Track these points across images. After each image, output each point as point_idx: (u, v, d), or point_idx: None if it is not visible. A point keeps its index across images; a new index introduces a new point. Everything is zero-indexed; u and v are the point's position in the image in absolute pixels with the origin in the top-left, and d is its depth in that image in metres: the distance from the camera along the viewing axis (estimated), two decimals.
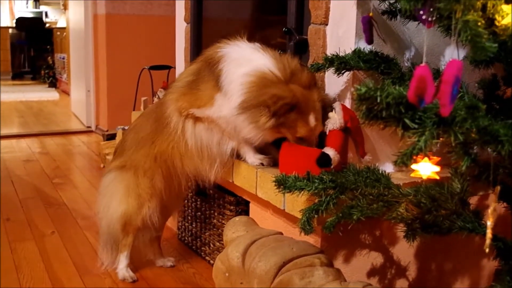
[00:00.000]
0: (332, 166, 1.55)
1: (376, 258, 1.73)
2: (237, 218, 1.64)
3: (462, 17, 0.92)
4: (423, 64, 0.98)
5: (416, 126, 1.02)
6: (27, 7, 10.72)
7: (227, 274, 1.49)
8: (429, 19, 1.07)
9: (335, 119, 1.62)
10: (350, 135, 1.67)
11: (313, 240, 1.61)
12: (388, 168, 1.70)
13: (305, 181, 1.41)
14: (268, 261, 1.42)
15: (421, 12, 1.07)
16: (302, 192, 1.42)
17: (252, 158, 1.81)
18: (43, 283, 2.04)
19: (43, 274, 2.12)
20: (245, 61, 1.69)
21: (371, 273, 1.72)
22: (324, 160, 1.55)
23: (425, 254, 1.79)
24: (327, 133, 1.63)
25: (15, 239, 2.48)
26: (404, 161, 1.04)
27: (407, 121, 1.02)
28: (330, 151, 1.57)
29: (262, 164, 1.79)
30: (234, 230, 1.59)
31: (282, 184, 1.43)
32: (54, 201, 3.00)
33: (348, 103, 1.67)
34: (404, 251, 1.76)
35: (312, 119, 1.63)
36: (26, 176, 3.52)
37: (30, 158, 4.01)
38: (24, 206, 2.92)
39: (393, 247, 1.74)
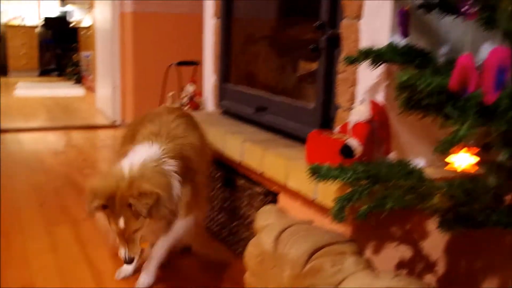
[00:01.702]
0: (355, 157, 1.57)
1: (405, 252, 1.74)
2: (268, 207, 1.67)
3: (507, 7, 0.93)
4: (467, 53, 1.00)
5: (457, 115, 1.03)
6: (54, 7, 10.89)
7: (259, 259, 1.52)
8: (471, 10, 1.08)
9: (361, 111, 1.63)
10: (377, 130, 1.68)
11: (343, 230, 1.63)
12: (418, 164, 1.71)
13: (338, 170, 1.43)
14: (300, 247, 1.45)
15: (464, 3, 1.09)
16: (336, 181, 1.44)
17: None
18: (78, 263, 2.12)
19: (77, 255, 2.20)
20: (133, 154, 1.82)
21: (399, 266, 1.73)
22: (346, 150, 1.58)
23: (455, 251, 1.80)
24: (353, 125, 1.65)
25: (50, 223, 2.57)
26: (444, 149, 1.05)
27: (448, 110, 1.04)
28: (353, 141, 1.59)
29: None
30: (266, 218, 1.62)
31: (316, 173, 1.45)
32: (84, 190, 3.07)
33: (380, 97, 1.68)
34: (434, 246, 1.77)
35: (121, 222, 1.68)
36: (57, 166, 3.61)
37: (60, 150, 4.11)
38: (56, 194, 3.00)
39: (422, 242, 1.75)
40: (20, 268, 2.08)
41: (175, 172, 1.81)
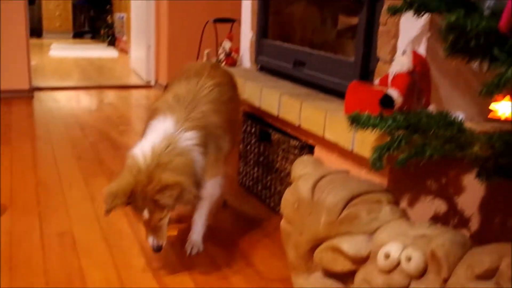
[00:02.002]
0: (394, 108, 1.57)
1: (439, 206, 1.75)
2: (305, 157, 1.69)
3: None
4: None
5: (504, 57, 1.02)
6: None
7: (296, 205, 1.54)
8: None
9: (403, 62, 1.62)
10: (417, 81, 1.67)
11: (379, 181, 1.64)
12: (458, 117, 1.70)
13: (378, 119, 1.43)
14: (337, 194, 1.47)
15: None
16: (375, 130, 1.44)
17: None
18: (115, 212, 2.17)
19: None
20: (147, 136, 1.76)
21: (433, 219, 1.74)
22: (386, 100, 1.57)
23: (489, 208, 1.80)
24: (393, 76, 1.64)
25: (88, 174, 2.66)
26: (489, 92, 1.05)
27: (496, 51, 1.03)
28: (393, 92, 1.58)
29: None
30: (303, 167, 1.64)
31: (356, 121, 1.46)
32: (120, 145, 3.16)
33: (423, 48, 1.67)
34: (468, 202, 1.77)
35: (145, 214, 1.66)
36: (92, 122, 3.71)
37: (95, 108, 4.19)
38: (93, 148, 3.08)
39: (457, 197, 1.76)
40: (59, 216, 2.17)
41: (196, 144, 1.74)
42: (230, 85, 2.10)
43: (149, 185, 1.62)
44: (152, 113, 1.86)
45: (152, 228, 1.69)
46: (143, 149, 1.68)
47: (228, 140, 1.95)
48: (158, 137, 1.71)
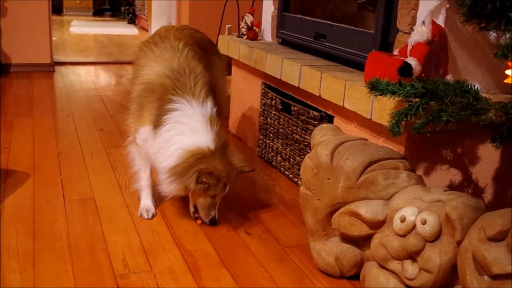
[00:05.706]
0: (413, 76, 1.59)
1: (455, 176, 1.77)
2: (325, 125, 1.73)
3: None
4: None
5: None
6: None
7: (315, 170, 1.58)
8: None
9: (422, 32, 1.64)
10: (436, 51, 1.69)
11: (397, 149, 1.67)
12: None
13: (397, 86, 1.46)
14: (356, 159, 1.51)
15: None
16: (393, 96, 1.47)
17: (146, 201, 2.03)
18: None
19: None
20: (188, 131, 1.80)
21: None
22: (405, 69, 1.59)
23: (504, 179, 1.82)
24: (412, 45, 1.66)
25: (109, 145, 2.72)
26: (505, 53, 1.07)
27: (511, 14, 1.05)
28: (412, 61, 1.60)
29: (143, 215, 1.99)
30: (322, 134, 1.68)
31: (375, 88, 1.49)
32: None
33: (441, 19, 1.68)
34: (483, 172, 1.80)
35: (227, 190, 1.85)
36: (114, 96, 3.78)
37: (115, 82, 4.26)
38: (114, 120, 3.14)
39: (472, 167, 1.78)
40: (81, 183, 2.22)
41: (215, 109, 1.87)
42: (200, 41, 2.19)
43: (231, 176, 1.83)
44: (156, 89, 1.86)
45: (214, 205, 1.87)
46: (206, 139, 1.79)
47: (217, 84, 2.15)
48: (200, 124, 1.80)
